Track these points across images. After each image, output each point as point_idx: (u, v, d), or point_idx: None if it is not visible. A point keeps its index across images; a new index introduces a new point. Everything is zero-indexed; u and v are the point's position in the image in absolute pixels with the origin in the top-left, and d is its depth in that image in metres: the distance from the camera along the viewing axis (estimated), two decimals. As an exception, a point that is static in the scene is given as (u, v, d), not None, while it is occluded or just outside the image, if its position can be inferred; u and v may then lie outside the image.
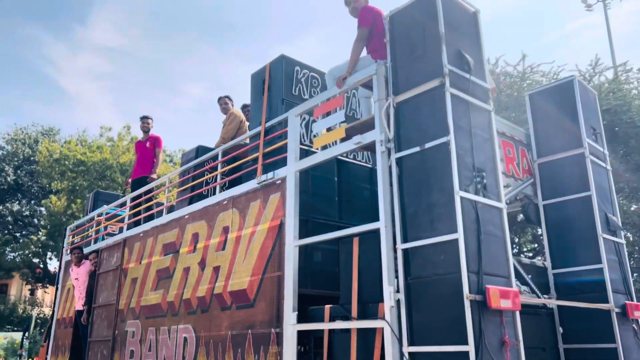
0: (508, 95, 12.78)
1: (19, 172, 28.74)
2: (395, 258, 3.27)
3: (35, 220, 29.53)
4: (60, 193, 26.54)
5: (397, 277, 3.24)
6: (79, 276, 7.96)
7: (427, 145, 3.32)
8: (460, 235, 2.99)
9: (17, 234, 28.60)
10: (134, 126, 30.19)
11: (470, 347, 2.78)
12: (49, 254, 26.83)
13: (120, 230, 7.96)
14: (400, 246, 3.26)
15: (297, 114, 4.40)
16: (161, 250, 6.13)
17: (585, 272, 4.45)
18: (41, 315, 26.90)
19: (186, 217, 5.77)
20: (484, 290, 2.94)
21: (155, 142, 8.39)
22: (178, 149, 30.87)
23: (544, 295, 4.57)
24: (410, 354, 3.04)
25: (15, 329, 23.60)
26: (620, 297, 4.38)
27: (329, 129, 4.17)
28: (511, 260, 3.30)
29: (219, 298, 4.82)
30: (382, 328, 3.21)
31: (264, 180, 4.52)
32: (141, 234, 6.74)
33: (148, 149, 8.31)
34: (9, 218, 27.84)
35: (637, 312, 4.40)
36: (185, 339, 5.20)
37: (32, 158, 28.96)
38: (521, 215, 15.11)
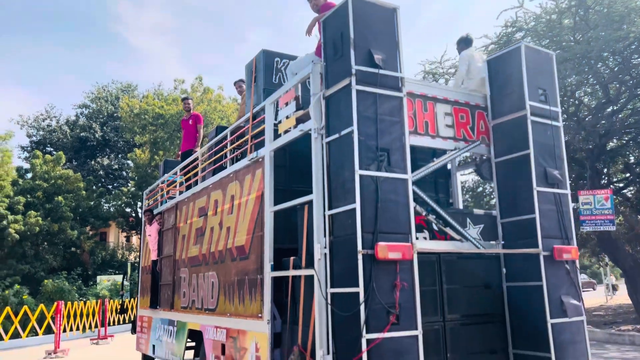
0: (597, 12, 12.65)
1: (105, 128, 32.27)
2: (325, 222, 4.55)
3: (124, 173, 33.35)
4: (143, 146, 29.51)
5: (325, 236, 4.52)
6: (151, 233, 10.05)
7: (342, 132, 4.40)
8: (357, 205, 4.10)
9: (110, 186, 32.59)
10: (205, 77, 32.49)
11: (360, 289, 3.97)
12: (139, 203, 30.45)
13: (174, 196, 9.77)
14: (327, 212, 4.49)
15: (271, 102, 5.67)
16: (197, 213, 7.82)
17: (524, 221, 5.35)
18: (137, 260, 30.98)
19: (210, 186, 7.35)
20: (376, 244, 4.08)
21: (197, 119, 10.26)
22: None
23: (493, 242, 5.63)
24: (331, 294, 4.36)
25: (117, 272, 27.14)
26: (552, 242, 5.22)
27: (287, 117, 5.35)
28: (412, 220, 4.36)
29: (230, 252, 6.40)
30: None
31: (252, 158, 5.88)
32: (186, 199, 8.45)
33: (191, 126, 10.16)
34: (101, 172, 31.73)
35: (565, 255, 5.24)
36: (212, 283, 6.91)
37: (115, 114, 32.30)
38: (611, 144, 15.24)
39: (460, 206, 7.12)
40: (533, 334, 5.15)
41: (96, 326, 18.31)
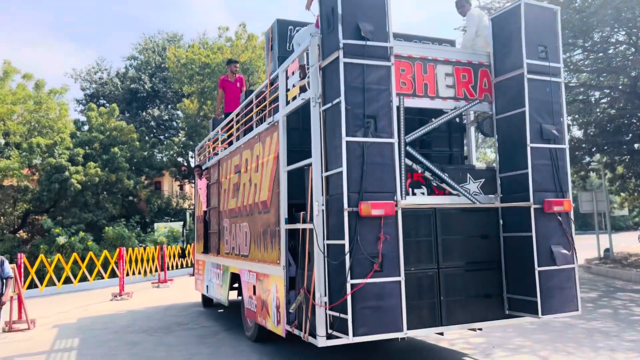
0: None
1: (153, 79, 33.62)
2: (322, 182, 5.31)
3: (174, 123, 34.91)
4: (192, 96, 30.70)
5: (323, 195, 5.29)
6: (201, 186, 11.41)
7: (334, 102, 5.05)
8: (344, 168, 4.84)
9: (161, 137, 34.30)
10: (249, 24, 32.86)
11: (345, 241, 4.80)
12: (190, 152, 32.00)
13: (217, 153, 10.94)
14: (324, 174, 5.25)
15: (282, 70, 6.39)
16: (233, 170, 8.86)
17: (519, 176, 5.86)
18: (192, 207, 32.89)
19: (242, 146, 8.31)
20: (359, 203, 4.83)
21: (241, 82, 11.37)
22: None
23: (492, 195, 6.23)
24: (326, 245, 5.19)
25: (172, 219, 29.14)
26: (545, 195, 5.72)
27: (293, 85, 6.05)
28: (398, 180, 5.06)
29: (257, 206, 7.36)
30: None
31: (270, 122, 6.70)
32: (225, 157, 9.53)
33: (237, 89, 11.20)
34: (153, 123, 33.37)
35: (556, 207, 5.73)
36: (245, 233, 7.97)
37: (162, 65, 33.50)
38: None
39: (474, 160, 7.67)
40: (524, 280, 5.76)
41: (156, 270, 20.15)
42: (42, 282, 15.81)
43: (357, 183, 4.90)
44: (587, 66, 18.34)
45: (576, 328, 8.58)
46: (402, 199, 5.26)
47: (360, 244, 4.83)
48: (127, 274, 17.99)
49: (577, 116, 20.60)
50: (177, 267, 22.58)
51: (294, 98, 6.07)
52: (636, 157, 20.27)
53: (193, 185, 40.40)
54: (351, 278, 4.79)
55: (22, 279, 11.78)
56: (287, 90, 6.31)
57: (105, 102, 33.41)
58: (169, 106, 34.86)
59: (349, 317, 4.75)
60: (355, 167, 4.90)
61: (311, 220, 5.48)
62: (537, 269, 5.59)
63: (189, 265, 23.39)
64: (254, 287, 7.44)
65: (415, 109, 6.14)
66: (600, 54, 17.42)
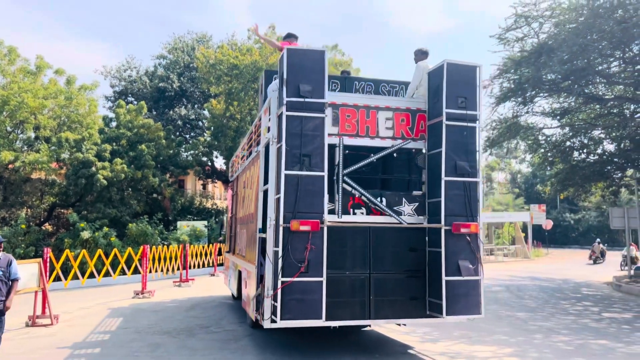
0: None
1: (182, 78, 33.68)
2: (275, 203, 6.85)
3: (200, 123, 34.92)
4: (219, 96, 30.64)
5: (274, 212, 6.74)
6: (227, 197, 13.37)
7: (280, 144, 6.70)
8: (282, 194, 6.45)
9: (187, 136, 34.34)
10: (278, 25, 32.77)
11: (279, 249, 6.39)
12: (215, 152, 31.97)
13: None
14: (274, 197, 6.79)
15: (260, 112, 8.27)
16: (242, 185, 10.99)
17: (438, 202, 7.07)
18: (214, 207, 32.84)
19: (246, 166, 10.11)
20: (290, 220, 6.38)
21: None
22: (321, 46, 32.94)
23: (421, 217, 7.45)
24: (274, 251, 6.61)
25: (195, 218, 29.07)
26: (455, 219, 6.94)
27: (265, 126, 7.74)
28: (325, 204, 6.58)
29: (250, 216, 9.05)
30: None
31: (256, 151, 8.77)
32: (240, 173, 11.50)
33: None
34: (179, 122, 33.38)
35: (464, 229, 6.92)
36: (244, 237, 9.86)
37: (191, 65, 33.54)
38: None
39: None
40: (437, 286, 6.95)
41: (178, 269, 20.08)
42: (66, 277, 15.80)
43: (292, 205, 6.46)
44: (624, 78, 17.76)
45: (615, 352, 8.17)
46: (339, 217, 7.04)
47: (290, 251, 6.37)
48: (150, 271, 17.90)
49: (610, 129, 20.00)
50: (199, 267, 22.48)
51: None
52: (671, 174, 19.60)
53: (215, 185, 40.71)
54: (282, 277, 6.32)
55: (48, 273, 11.72)
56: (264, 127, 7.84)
57: (133, 99, 33.56)
58: (196, 106, 34.88)
59: (279, 305, 6.26)
60: (291, 193, 6.47)
61: (266, 232, 7.06)
62: (445, 278, 6.83)
63: (210, 264, 23.28)
64: (246, 282, 9.04)
65: (358, 146, 7.39)
66: (638, 67, 16.86)
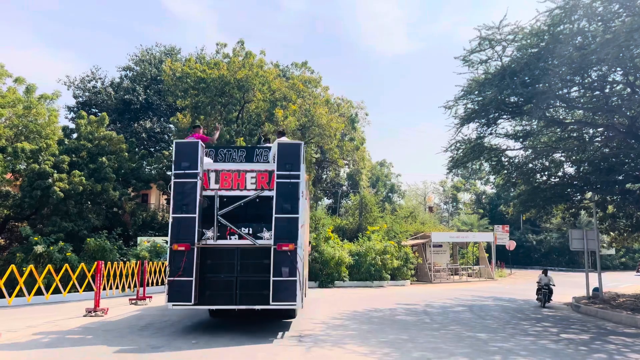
0: None
1: (148, 91, 33.15)
2: None
3: (166, 137, 34.34)
4: (185, 110, 30.22)
5: None
6: None
7: (169, 197, 11.04)
8: (169, 227, 10.75)
9: (152, 149, 33.67)
10: (247, 41, 32.59)
11: (168, 261, 10.68)
12: (180, 167, 31.32)
13: None
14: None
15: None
16: None
17: (275, 230, 10.92)
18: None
19: None
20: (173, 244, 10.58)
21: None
22: (290, 63, 32.83)
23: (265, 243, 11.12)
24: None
25: (157, 234, 28.29)
26: (280, 241, 10.71)
27: None
28: (196, 234, 10.66)
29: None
30: None
31: None
32: None
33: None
34: (144, 135, 32.76)
35: (284, 247, 10.61)
36: None
37: (158, 77, 33.07)
38: None
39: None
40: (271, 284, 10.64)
41: (135, 286, 19.37)
42: (11, 294, 15.02)
43: (176, 234, 10.66)
44: (584, 104, 18.11)
45: (572, 375, 8.05)
46: (214, 241, 10.93)
47: (173, 262, 10.53)
48: (104, 289, 17.22)
49: (570, 153, 20.34)
50: (158, 284, 21.78)
51: None
52: (628, 197, 20.00)
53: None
54: (168, 277, 10.52)
55: (-10, 290, 11.06)
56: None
57: (97, 111, 32.81)
58: (162, 119, 34.33)
59: (166, 293, 10.50)
60: (175, 227, 10.72)
61: None
62: (272, 278, 10.59)
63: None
64: None
65: (233, 196, 11.22)
66: (597, 92, 17.21)
